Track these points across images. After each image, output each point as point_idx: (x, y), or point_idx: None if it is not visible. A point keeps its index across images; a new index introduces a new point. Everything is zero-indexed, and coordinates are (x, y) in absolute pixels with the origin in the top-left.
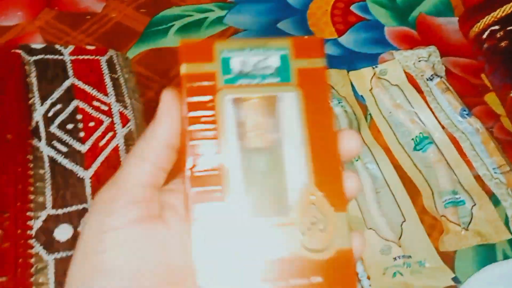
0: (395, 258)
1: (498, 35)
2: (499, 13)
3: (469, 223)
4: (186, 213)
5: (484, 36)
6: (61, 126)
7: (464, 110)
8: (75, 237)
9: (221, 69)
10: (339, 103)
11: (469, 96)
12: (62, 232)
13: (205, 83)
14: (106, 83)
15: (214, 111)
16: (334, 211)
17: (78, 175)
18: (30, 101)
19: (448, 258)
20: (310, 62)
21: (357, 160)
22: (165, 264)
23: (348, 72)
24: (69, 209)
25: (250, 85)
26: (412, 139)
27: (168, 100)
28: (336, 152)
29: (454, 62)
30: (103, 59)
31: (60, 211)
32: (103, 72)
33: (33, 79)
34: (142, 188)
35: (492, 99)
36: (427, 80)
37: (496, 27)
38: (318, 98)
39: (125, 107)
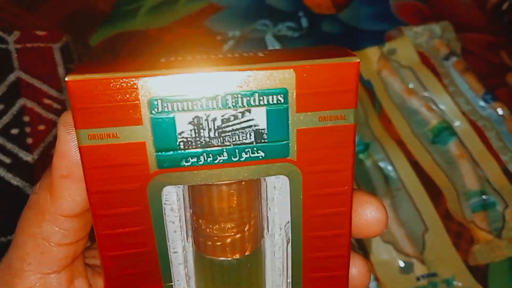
0: (418, 278)
1: None
2: None
3: (502, 229)
4: None
5: (504, 7)
6: (4, 132)
7: (487, 94)
8: None
9: (154, 139)
10: None
11: (489, 77)
12: None
13: (126, 167)
14: (59, 76)
15: (144, 210)
16: None
17: (26, 193)
18: None
19: (480, 273)
20: (325, 117)
21: (367, 159)
22: None
23: None
24: None
25: (210, 166)
26: (430, 129)
27: (67, 147)
28: (344, 261)
29: (470, 39)
30: (56, 47)
31: (3, 240)
32: (56, 62)
33: None
34: (55, 278)
35: None
36: (443, 59)
37: None
38: (332, 184)
39: None
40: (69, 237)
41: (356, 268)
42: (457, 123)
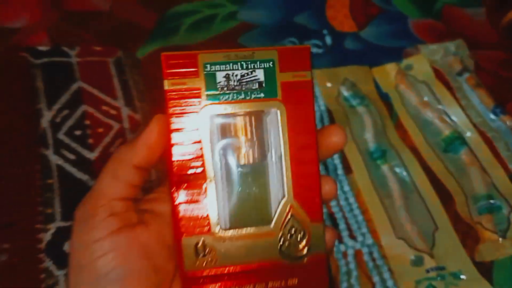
0: (427, 270)
1: None
2: None
3: (507, 231)
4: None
5: None
6: (69, 133)
7: (497, 107)
8: None
9: (206, 85)
10: (362, 101)
11: (501, 91)
12: None
13: (189, 100)
14: (114, 86)
15: (198, 129)
16: (310, 222)
17: (87, 185)
18: (37, 106)
19: (485, 269)
20: (295, 75)
21: (384, 164)
22: (149, 267)
23: (370, 68)
24: None
25: (235, 101)
26: (442, 139)
27: (154, 127)
28: (315, 166)
29: (484, 55)
30: (111, 61)
31: (70, 223)
32: (111, 74)
33: (40, 83)
34: (117, 202)
35: None
36: (456, 75)
37: None
38: (302, 113)
39: (135, 111)
40: (134, 181)
41: (327, 184)
42: (468, 134)
